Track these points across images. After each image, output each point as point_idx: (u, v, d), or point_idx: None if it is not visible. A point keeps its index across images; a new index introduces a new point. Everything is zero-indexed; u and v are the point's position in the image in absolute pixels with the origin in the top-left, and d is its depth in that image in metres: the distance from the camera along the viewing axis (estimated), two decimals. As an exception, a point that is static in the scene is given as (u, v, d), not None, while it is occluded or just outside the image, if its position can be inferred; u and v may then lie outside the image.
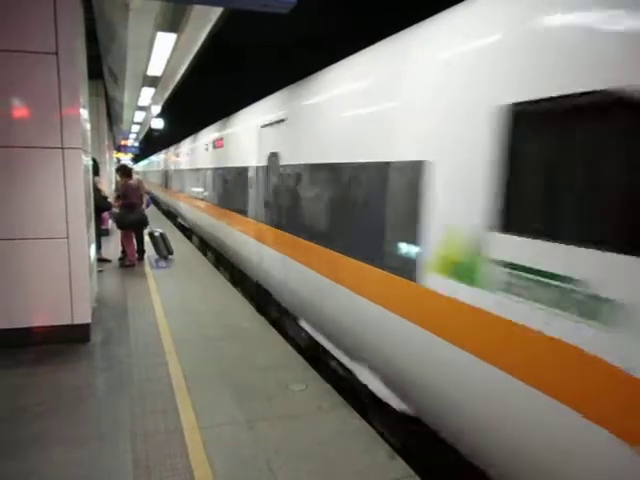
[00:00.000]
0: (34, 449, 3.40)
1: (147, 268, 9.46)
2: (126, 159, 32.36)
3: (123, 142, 30.28)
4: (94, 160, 7.98)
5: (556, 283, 2.37)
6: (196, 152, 13.68)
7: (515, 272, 2.61)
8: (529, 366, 2.53)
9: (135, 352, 5.17)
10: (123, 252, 9.79)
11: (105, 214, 10.82)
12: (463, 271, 2.99)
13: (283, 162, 6.12)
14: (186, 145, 16.17)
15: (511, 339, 2.64)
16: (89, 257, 5.68)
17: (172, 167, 19.57)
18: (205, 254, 11.97)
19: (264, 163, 6.90)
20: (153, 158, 33.10)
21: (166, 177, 21.39)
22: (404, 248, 3.64)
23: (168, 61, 8.78)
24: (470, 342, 2.94)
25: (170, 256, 10.29)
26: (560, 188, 2.43)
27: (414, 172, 3.45)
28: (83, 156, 5.36)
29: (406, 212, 3.60)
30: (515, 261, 2.61)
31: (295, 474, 3.22)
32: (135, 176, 10.60)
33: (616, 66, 2.12)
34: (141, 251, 10.10)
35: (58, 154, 5.03)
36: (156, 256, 10.21)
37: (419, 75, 3.51)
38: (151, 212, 10.53)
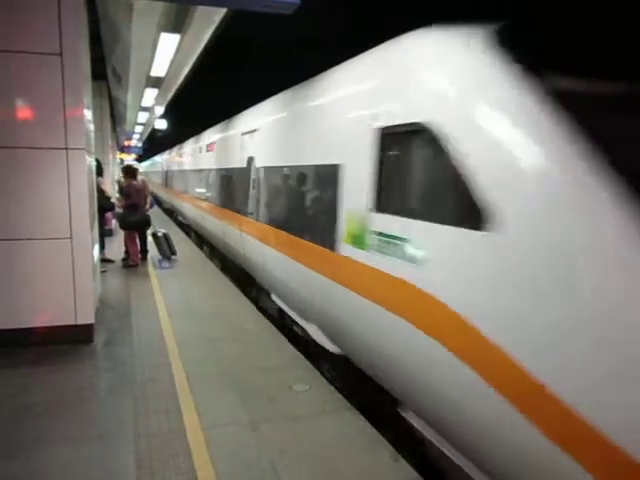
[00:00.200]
0: (37, 449, 3.41)
1: (150, 268, 9.48)
2: (129, 160, 32.43)
3: (126, 143, 30.33)
4: (97, 161, 8.00)
5: (398, 243, 3.59)
6: (191, 155, 15.26)
7: (381, 237, 3.82)
8: (389, 297, 3.71)
9: (138, 352, 5.18)
10: (126, 252, 9.80)
11: (108, 214, 10.84)
12: (358, 240, 4.16)
13: (257, 165, 7.45)
14: (182, 148, 17.85)
15: (381, 282, 3.80)
16: (92, 257, 5.69)
17: (171, 168, 20.92)
18: (202, 248, 12.92)
19: (244, 165, 8.15)
20: (154, 159, 34.01)
21: (166, 177, 22.73)
22: (328, 226, 4.74)
23: (171, 62, 8.79)
24: (363, 288, 4.09)
25: (173, 256, 10.30)
26: (400, 183, 3.72)
27: (333, 172, 4.62)
28: (87, 157, 5.38)
29: (329, 201, 4.74)
30: (381, 230, 3.82)
31: (299, 475, 3.21)
32: (140, 177, 10.61)
33: (424, 108, 3.39)
34: (144, 251, 10.11)
35: (62, 155, 5.05)
36: (159, 256, 10.23)
37: (335, 106, 4.91)
38: (154, 212, 10.59)
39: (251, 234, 7.69)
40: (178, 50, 7.95)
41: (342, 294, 4.43)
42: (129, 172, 10.20)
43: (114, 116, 18.95)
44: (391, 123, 3.74)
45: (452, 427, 3.21)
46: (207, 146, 12.35)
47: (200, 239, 13.92)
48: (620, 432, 2.05)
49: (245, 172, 8.06)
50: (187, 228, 16.44)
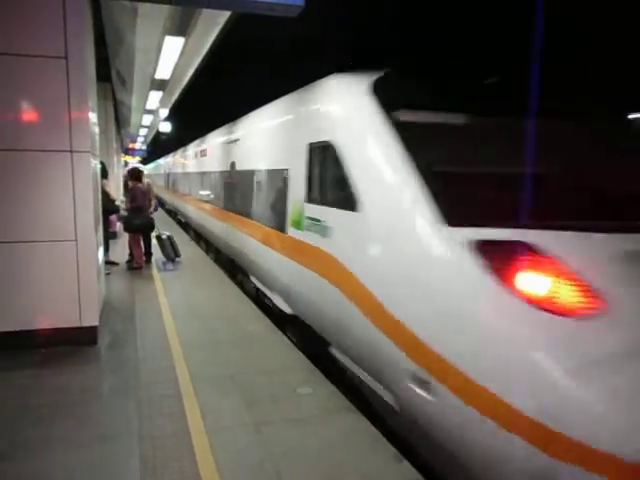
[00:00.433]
0: (41, 451, 3.41)
1: (154, 271, 9.50)
2: (134, 162, 32.52)
3: (131, 145, 30.43)
4: (102, 163, 8.02)
5: (316, 222, 5.12)
6: (188, 160, 17.41)
7: (309, 220, 5.34)
8: (313, 262, 5.15)
9: (142, 355, 5.19)
10: (131, 255, 9.82)
11: (113, 217, 10.87)
12: (298, 224, 5.67)
13: (237, 168, 9.28)
14: (180, 154, 20.30)
15: (311, 254, 5.22)
16: (97, 260, 5.70)
17: (172, 171, 23.18)
18: (198, 242, 14.32)
19: (228, 169, 10.00)
20: (158, 162, 35.15)
21: (167, 180, 24.77)
22: (280, 215, 6.35)
23: (176, 65, 8.83)
24: (299, 258, 5.57)
25: (177, 259, 10.32)
26: (318, 181, 5.30)
27: (283, 174, 6.26)
28: (92, 159, 5.39)
29: (280, 196, 6.35)
30: (309, 215, 5.36)
31: (302, 477, 3.21)
32: (145, 180, 10.64)
33: (329, 131, 4.89)
34: (148, 254, 10.13)
35: (67, 157, 5.06)
36: (163, 259, 10.24)
37: (284, 125, 6.57)
38: (156, 214, 10.67)
39: (232, 224, 9.63)
40: (182, 53, 7.99)
41: (288, 264, 5.96)
42: (135, 175, 10.23)
43: (118, 119, 19.01)
44: (314, 140, 5.27)
45: (345, 342, 4.55)
46: (200, 152, 14.40)
47: (199, 237, 15.01)
48: (417, 324, 3.40)
49: (229, 174, 9.95)
50: (187, 227, 17.46)
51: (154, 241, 10.32)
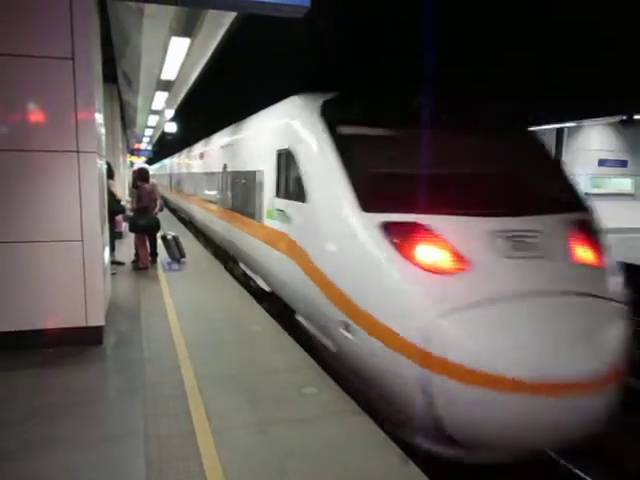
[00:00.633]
0: (46, 451, 3.43)
1: (160, 271, 9.52)
2: (140, 163, 32.61)
3: (136, 146, 30.51)
4: (108, 164, 8.05)
5: (282, 213, 6.29)
6: (188, 162, 19.10)
7: (277, 211, 6.54)
8: (280, 245, 6.33)
9: (148, 354, 5.20)
10: (136, 255, 9.86)
11: (119, 217, 10.90)
12: (270, 214, 6.95)
13: (228, 170, 10.69)
14: (180, 156, 22.60)
15: (280, 238, 6.37)
16: (103, 260, 5.72)
17: (172, 171, 25.51)
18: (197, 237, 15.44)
19: (221, 170, 11.42)
20: (163, 163, 35.83)
21: (170, 179, 26.28)
22: (256, 208, 7.82)
23: (182, 65, 8.84)
24: (271, 242, 6.80)
25: (182, 259, 10.34)
26: (283, 180, 6.47)
27: (259, 174, 7.67)
28: (98, 160, 5.41)
29: (256, 191, 7.80)
30: (277, 207, 6.57)
31: (307, 478, 3.21)
32: (151, 180, 10.67)
33: (288, 141, 6.18)
34: (154, 254, 10.16)
35: (73, 158, 5.09)
36: (168, 259, 10.27)
37: (259, 135, 8.10)
38: (162, 214, 10.72)
39: (221, 217, 11.24)
40: (188, 53, 8.00)
41: (264, 248, 7.18)
42: (141, 175, 10.26)
43: (124, 119, 19.06)
44: (280, 147, 6.57)
45: (304, 307, 5.74)
46: (199, 155, 16.05)
47: (199, 232, 16.17)
48: (344, 285, 4.62)
49: (222, 175, 11.37)
50: (188, 224, 18.35)
51: (159, 241, 10.35)
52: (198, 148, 16.61)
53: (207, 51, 8.52)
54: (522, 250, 4.31)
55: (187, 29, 6.83)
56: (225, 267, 10.25)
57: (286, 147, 6.21)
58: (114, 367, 5.05)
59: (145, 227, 9.71)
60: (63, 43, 4.89)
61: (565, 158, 18.63)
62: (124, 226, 12.25)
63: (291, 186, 6.12)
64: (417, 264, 4.07)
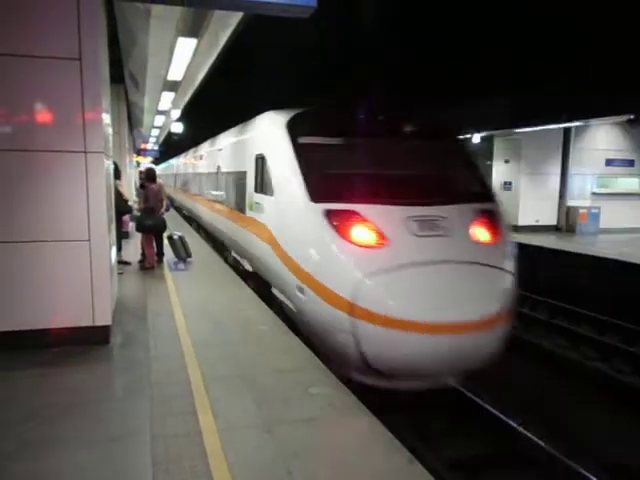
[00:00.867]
0: (53, 450, 3.44)
1: (166, 270, 9.55)
2: (146, 163, 32.69)
3: (143, 146, 30.58)
4: (115, 164, 8.08)
5: (259, 205, 7.76)
6: (190, 163, 20.56)
7: (256, 204, 7.91)
8: (258, 231, 7.65)
9: (154, 354, 5.22)
10: (143, 255, 9.89)
11: (125, 217, 10.94)
12: (252, 207, 8.20)
13: (221, 170, 12.07)
14: (182, 158, 24.60)
15: (258, 225, 7.66)
16: (110, 259, 5.74)
17: (177, 172, 27.14)
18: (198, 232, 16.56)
19: (215, 170, 12.91)
20: (169, 162, 36.88)
21: (175, 179, 27.72)
22: (241, 202, 9.04)
23: (188, 66, 8.86)
24: (252, 229, 8.04)
25: (188, 259, 10.36)
26: (259, 178, 7.80)
27: (244, 174, 8.85)
28: (105, 160, 5.43)
29: (242, 189, 8.97)
30: (256, 201, 7.93)
31: (314, 478, 3.21)
32: (158, 180, 10.71)
33: (262, 148, 7.70)
34: (160, 254, 10.19)
35: (81, 158, 5.10)
36: (175, 259, 10.30)
37: (244, 142, 9.34)
38: (168, 213, 10.78)
39: (215, 211, 12.72)
40: (195, 54, 8.01)
41: (248, 235, 8.38)
42: (149, 175, 10.30)
43: (131, 119, 19.13)
44: (257, 152, 7.88)
45: (276, 280, 6.96)
46: (200, 156, 17.51)
47: (199, 227, 17.46)
48: (298, 258, 5.96)
49: (217, 175, 12.73)
50: (191, 220, 19.48)
51: (166, 241, 10.38)
52: (198, 151, 18.26)
53: (213, 51, 8.54)
54: (429, 230, 5.58)
55: (194, 30, 6.85)
56: (225, 261, 11.19)
57: (261, 152, 7.65)
58: (121, 366, 5.06)
59: (152, 227, 9.74)
60: (70, 43, 4.91)
61: (572, 157, 18.49)
62: (130, 226, 12.30)
63: (264, 183, 7.45)
64: (350, 240, 5.36)
